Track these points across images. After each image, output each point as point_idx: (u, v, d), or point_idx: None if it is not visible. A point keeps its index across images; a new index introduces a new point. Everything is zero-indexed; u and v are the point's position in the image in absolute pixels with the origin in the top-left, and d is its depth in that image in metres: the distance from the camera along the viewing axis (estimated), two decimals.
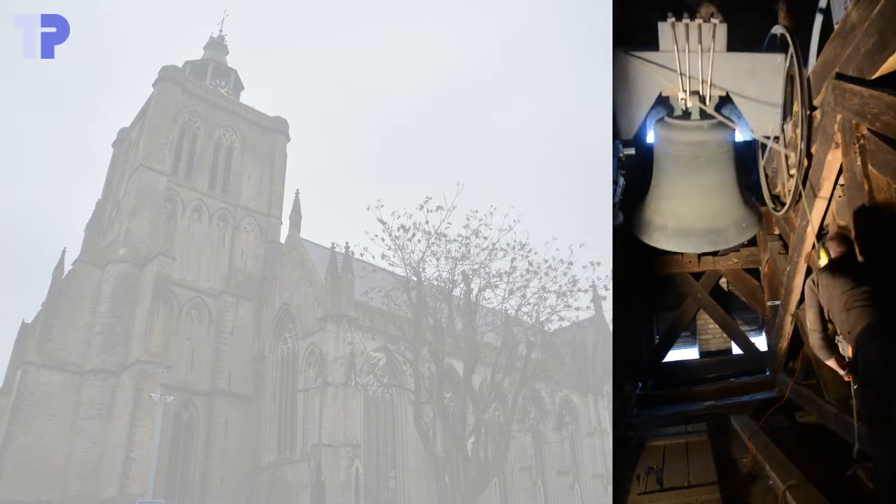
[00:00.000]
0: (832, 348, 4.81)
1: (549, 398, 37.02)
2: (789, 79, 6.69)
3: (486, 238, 22.21)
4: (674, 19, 6.62)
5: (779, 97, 6.82)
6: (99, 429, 28.25)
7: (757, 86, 6.86)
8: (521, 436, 32.69)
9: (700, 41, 6.68)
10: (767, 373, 9.22)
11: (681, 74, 6.83)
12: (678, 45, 6.71)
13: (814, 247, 5.91)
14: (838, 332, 4.74)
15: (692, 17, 6.67)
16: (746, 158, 8.43)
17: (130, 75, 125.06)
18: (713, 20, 6.65)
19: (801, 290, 7.10)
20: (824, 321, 4.76)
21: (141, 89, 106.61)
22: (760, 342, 10.26)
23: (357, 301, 30.18)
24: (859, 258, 4.89)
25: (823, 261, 4.95)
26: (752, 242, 9.39)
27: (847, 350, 4.63)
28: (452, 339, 23.83)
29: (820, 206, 6.19)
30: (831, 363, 4.86)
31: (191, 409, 31.11)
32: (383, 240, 22.25)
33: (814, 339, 4.87)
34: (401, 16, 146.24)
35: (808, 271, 6.63)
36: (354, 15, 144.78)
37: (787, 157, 7.05)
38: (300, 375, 30.66)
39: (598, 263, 22.29)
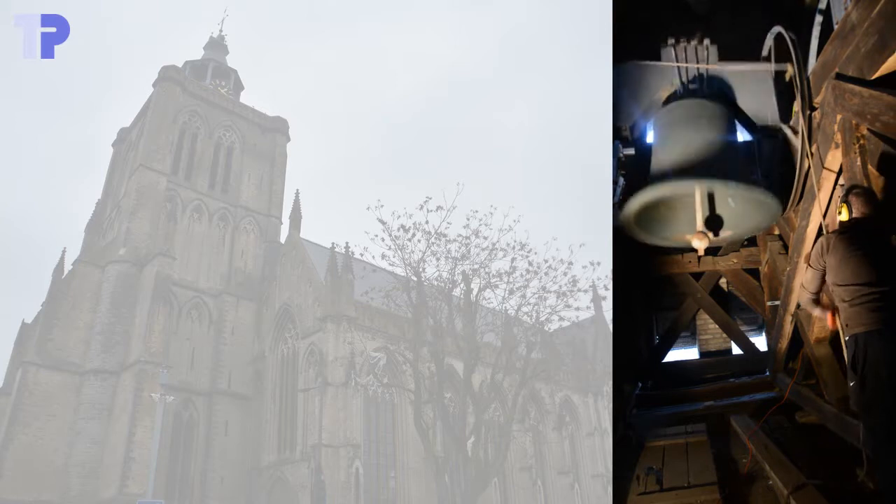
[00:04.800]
0: (818, 303, 5.11)
1: (549, 398, 37.02)
2: (789, 79, 6.71)
3: (486, 238, 22.27)
4: (673, 41, 7.22)
5: (771, 98, 6.91)
6: (99, 429, 28.26)
7: (751, 88, 6.97)
8: (521, 436, 32.68)
9: (696, 56, 7.18)
10: (767, 373, 9.22)
11: (678, 67, 7.01)
12: (677, 59, 7.16)
13: (817, 238, 5.88)
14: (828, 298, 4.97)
15: (689, 40, 7.20)
16: (746, 158, 8.42)
17: (130, 75, 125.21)
18: (705, 41, 7.21)
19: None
20: (820, 286, 4.90)
21: (141, 89, 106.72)
22: (760, 342, 10.27)
23: (357, 301, 30.18)
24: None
25: (843, 216, 4.72)
26: (753, 242, 9.39)
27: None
28: (452, 339, 23.83)
29: (820, 206, 6.18)
30: (816, 312, 5.22)
31: (191, 409, 31.11)
32: (383, 240, 22.31)
33: (803, 296, 5.18)
34: (401, 16, 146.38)
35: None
36: (354, 15, 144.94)
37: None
38: (300, 375, 30.66)
39: (598, 263, 22.36)
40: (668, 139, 7.52)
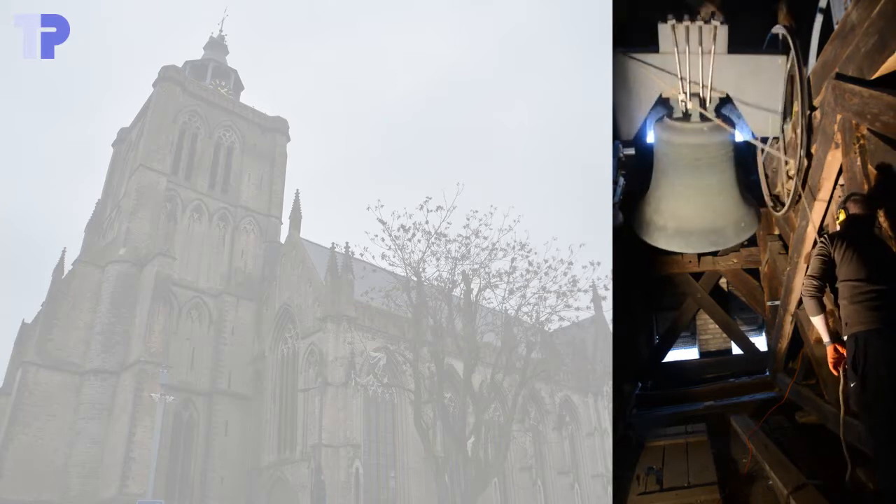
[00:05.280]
0: (822, 306, 4.60)
1: (549, 398, 37.01)
2: (789, 79, 6.70)
3: (486, 238, 22.25)
4: (674, 21, 6.55)
5: (779, 99, 6.82)
6: (99, 429, 28.25)
7: (758, 87, 6.86)
8: (521, 436, 32.67)
9: (700, 43, 6.61)
10: (767, 373, 9.22)
11: (681, 79, 6.80)
12: (678, 47, 6.64)
13: (814, 244, 5.89)
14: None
15: (692, 19, 6.60)
16: (746, 158, 8.43)
17: (130, 75, 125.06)
18: (714, 21, 6.57)
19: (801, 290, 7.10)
20: (827, 275, 4.51)
21: (141, 89, 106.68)
22: (760, 342, 10.27)
23: (357, 301, 30.17)
24: (882, 222, 4.79)
25: (841, 219, 4.76)
26: (752, 242, 9.39)
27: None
28: (452, 339, 23.82)
29: (820, 206, 6.19)
30: (817, 321, 4.66)
31: (191, 409, 31.10)
32: (383, 240, 22.30)
33: (808, 285, 4.62)
34: (401, 16, 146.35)
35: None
36: (354, 15, 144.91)
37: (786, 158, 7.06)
38: (300, 375, 30.65)
39: (598, 263, 22.33)
40: (666, 180, 7.83)
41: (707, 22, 6.57)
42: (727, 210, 7.92)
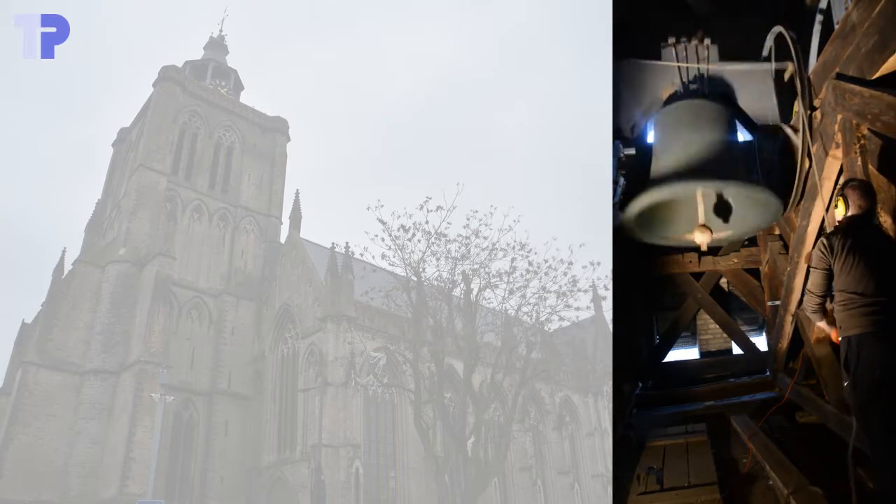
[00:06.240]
0: (824, 313, 4.72)
1: (549, 398, 37.02)
2: (790, 79, 6.71)
3: (486, 238, 22.28)
4: (673, 40, 7.21)
5: (772, 98, 6.90)
6: (99, 429, 28.26)
7: (750, 94, 6.97)
8: (521, 436, 32.68)
9: (697, 55, 7.16)
10: (767, 373, 9.22)
11: (678, 68, 6.99)
12: (677, 58, 7.13)
13: (816, 242, 5.86)
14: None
15: (689, 39, 7.20)
16: (746, 158, 8.41)
17: (130, 75, 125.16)
18: (706, 41, 7.19)
19: (801, 290, 7.09)
20: (828, 288, 4.53)
21: (141, 89, 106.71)
22: (761, 342, 10.26)
23: (357, 301, 30.18)
24: (881, 217, 4.75)
25: (840, 211, 4.61)
26: (753, 242, 9.39)
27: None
28: (452, 339, 23.83)
29: (820, 206, 6.18)
30: (821, 325, 4.84)
31: (191, 409, 31.11)
32: (383, 240, 22.33)
33: (809, 300, 4.72)
34: (401, 16, 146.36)
35: (809, 271, 6.61)
36: (354, 15, 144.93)
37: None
38: (300, 375, 30.67)
39: (598, 263, 22.37)
40: (668, 141, 7.53)
41: (701, 42, 7.27)
42: (731, 162, 7.69)
